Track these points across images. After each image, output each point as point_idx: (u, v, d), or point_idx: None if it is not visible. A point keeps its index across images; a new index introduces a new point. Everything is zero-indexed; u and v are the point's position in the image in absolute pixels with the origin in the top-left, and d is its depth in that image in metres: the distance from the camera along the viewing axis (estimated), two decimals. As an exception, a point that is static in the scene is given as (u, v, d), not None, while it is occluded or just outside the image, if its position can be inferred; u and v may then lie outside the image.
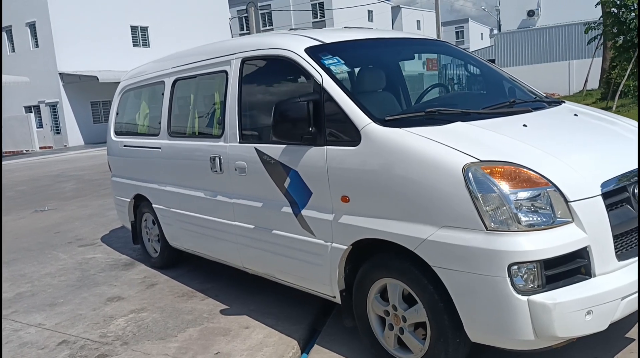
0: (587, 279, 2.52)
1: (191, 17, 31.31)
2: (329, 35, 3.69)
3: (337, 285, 3.26)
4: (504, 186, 2.49)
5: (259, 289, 4.54)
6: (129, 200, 5.67)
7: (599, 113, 3.62)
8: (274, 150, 3.49)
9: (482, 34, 70.14)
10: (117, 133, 5.88)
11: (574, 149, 2.84)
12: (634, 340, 3.17)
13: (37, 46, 27.73)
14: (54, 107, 28.09)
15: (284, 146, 3.40)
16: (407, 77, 4.17)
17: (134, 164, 5.47)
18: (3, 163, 14.23)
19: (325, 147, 3.15)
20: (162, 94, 4.89)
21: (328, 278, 3.30)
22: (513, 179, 2.51)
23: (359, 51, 3.74)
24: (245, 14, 34.84)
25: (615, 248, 2.57)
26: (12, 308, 4.74)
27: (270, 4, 45.43)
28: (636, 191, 2.71)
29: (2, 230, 7.37)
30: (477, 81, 4.20)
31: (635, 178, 2.73)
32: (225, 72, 4.02)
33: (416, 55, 4.29)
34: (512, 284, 2.42)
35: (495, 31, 46.06)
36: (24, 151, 27.27)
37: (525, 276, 2.44)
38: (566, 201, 2.50)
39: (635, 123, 3.37)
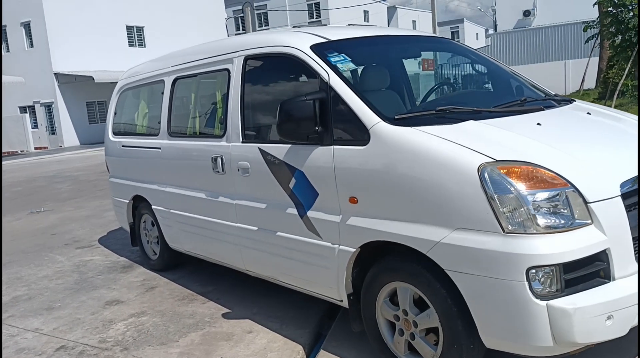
0: (606, 283, 2.44)
1: (187, 17, 31.17)
2: (334, 33, 3.60)
3: (344, 288, 3.17)
4: (522, 187, 2.40)
5: (261, 292, 4.44)
6: (128, 201, 5.56)
7: (609, 111, 3.54)
8: (279, 150, 3.40)
9: (477, 34, 70.17)
10: (115, 133, 5.77)
11: (590, 148, 2.76)
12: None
13: (32, 45, 27.52)
14: (49, 107, 27.89)
15: (289, 145, 3.31)
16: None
17: (133, 164, 5.37)
18: (-2, 163, 14.13)
19: (332, 147, 3.06)
20: (162, 93, 4.80)
21: (335, 281, 3.21)
22: (531, 179, 2.42)
23: (365, 49, 3.65)
24: (242, 14, 34.70)
25: (635, 250, 2.50)
26: (9, 312, 4.63)
27: (266, 4, 45.32)
28: None
29: (1, 230, 7.25)
30: (485, 79, 4.11)
31: None
32: (228, 70, 3.93)
33: (423, 53, 4.21)
34: (530, 288, 2.34)
35: (491, 31, 46.08)
36: (19, 152, 27.09)
37: (544, 280, 2.36)
38: (585, 202, 2.42)
39: None
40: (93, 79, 25.57)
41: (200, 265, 5.07)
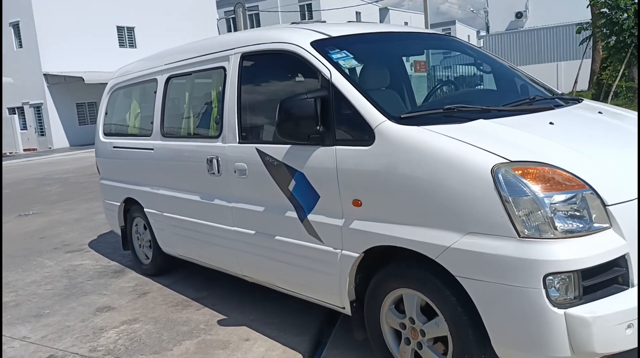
0: (625, 289, 2.32)
1: (178, 17, 30.95)
2: (335, 29, 3.47)
3: (347, 295, 3.04)
4: (538, 189, 2.28)
5: (258, 298, 4.30)
6: (119, 204, 5.40)
7: (619, 110, 3.43)
8: (278, 150, 3.26)
9: (468, 36, 70.34)
10: (106, 134, 5.61)
11: (606, 148, 2.64)
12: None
13: (20, 46, 27.23)
14: (38, 108, 27.59)
15: (289, 146, 3.17)
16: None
17: (125, 166, 5.21)
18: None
19: (334, 147, 2.92)
20: (155, 92, 4.64)
21: (337, 287, 3.08)
22: (547, 181, 2.30)
23: (368, 45, 3.51)
24: (233, 15, 34.47)
25: None
26: (-5, 319, 4.46)
27: (258, 5, 45.14)
28: None
29: (1, 230, 7.03)
30: (490, 77, 3.99)
31: None
32: (224, 68, 3.79)
33: (425, 51, 4.09)
34: (547, 296, 2.22)
35: (482, 33, 46.13)
36: (8, 154, 26.75)
37: (561, 287, 2.23)
38: (604, 204, 2.30)
39: None
40: (83, 79, 25.32)
41: (194, 269, 4.92)
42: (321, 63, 3.07)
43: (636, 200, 2.38)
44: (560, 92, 3.67)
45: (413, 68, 4.16)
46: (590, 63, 21.38)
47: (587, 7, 15.86)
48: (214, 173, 3.80)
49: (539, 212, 2.26)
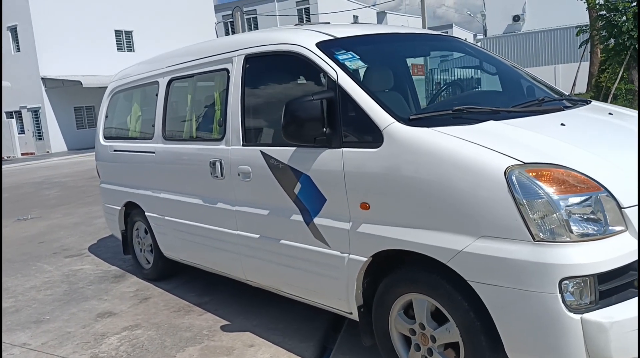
0: (640, 294, 2.27)
1: (176, 21, 30.88)
2: (340, 30, 3.43)
3: (354, 300, 2.98)
4: (553, 191, 2.23)
5: (261, 303, 4.24)
6: (120, 208, 5.34)
7: (628, 111, 3.39)
8: (283, 153, 3.20)
9: (465, 39, 70.59)
10: (106, 137, 5.55)
11: (619, 150, 2.59)
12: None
13: (18, 50, 27.13)
14: (36, 112, 27.48)
15: (294, 148, 3.12)
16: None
17: (125, 169, 5.15)
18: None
19: (341, 149, 2.87)
20: (156, 95, 4.59)
21: (344, 292, 3.02)
22: (562, 183, 2.25)
23: (373, 46, 3.47)
24: (231, 19, 34.49)
25: None
26: (-6, 325, 4.39)
27: (256, 9, 45.15)
28: None
29: (2, 232, 6.94)
30: (496, 78, 3.95)
31: None
32: (227, 70, 3.74)
33: (432, 52, 4.04)
34: (563, 301, 2.17)
35: (480, 36, 46.17)
36: (6, 158, 26.63)
37: (576, 291, 2.18)
38: (620, 207, 2.26)
39: None
40: (81, 83, 25.22)
41: (196, 274, 4.86)
42: (327, 64, 3.02)
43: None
44: (567, 94, 3.62)
45: (411, 71, 4.11)
46: (587, 66, 21.38)
47: (586, 9, 15.83)
48: (217, 176, 3.74)
49: (554, 215, 2.21)
